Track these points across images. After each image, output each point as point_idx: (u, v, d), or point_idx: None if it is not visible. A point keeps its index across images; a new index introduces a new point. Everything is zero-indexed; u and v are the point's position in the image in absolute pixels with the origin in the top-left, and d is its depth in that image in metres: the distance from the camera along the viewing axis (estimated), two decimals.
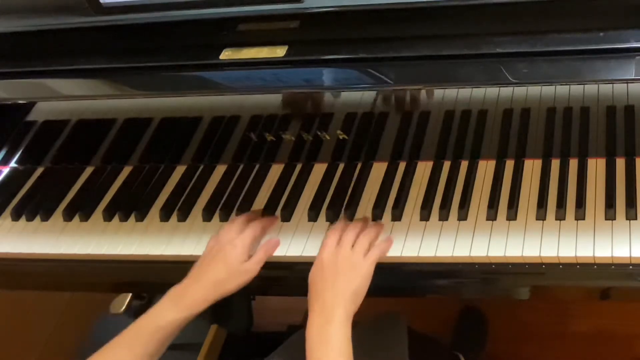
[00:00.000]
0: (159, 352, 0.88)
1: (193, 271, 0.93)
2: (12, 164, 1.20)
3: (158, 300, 0.92)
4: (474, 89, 1.00)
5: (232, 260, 0.92)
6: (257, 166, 1.11)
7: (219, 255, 0.93)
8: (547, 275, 0.90)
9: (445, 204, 0.97)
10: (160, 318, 0.88)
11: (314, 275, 0.89)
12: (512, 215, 0.94)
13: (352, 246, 0.91)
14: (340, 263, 0.88)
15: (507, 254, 0.90)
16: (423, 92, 1.03)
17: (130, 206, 1.08)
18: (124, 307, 1.41)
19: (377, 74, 0.86)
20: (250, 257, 0.94)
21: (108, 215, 1.08)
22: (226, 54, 0.91)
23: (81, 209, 1.09)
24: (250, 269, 0.93)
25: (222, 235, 0.96)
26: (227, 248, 0.93)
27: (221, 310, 1.56)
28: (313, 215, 1.01)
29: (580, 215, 0.92)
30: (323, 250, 0.90)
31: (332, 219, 1.00)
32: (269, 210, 1.03)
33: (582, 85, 0.96)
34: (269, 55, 0.89)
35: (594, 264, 0.88)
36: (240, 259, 0.93)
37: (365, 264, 0.89)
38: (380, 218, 0.98)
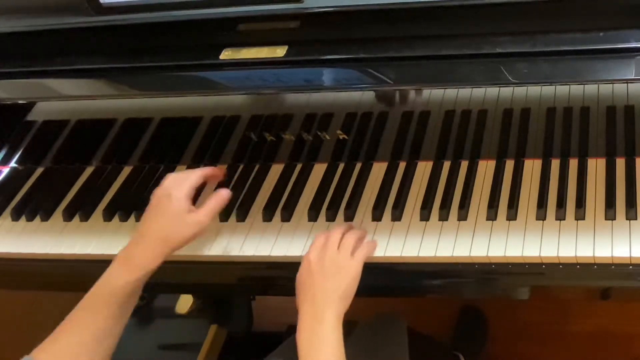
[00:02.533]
0: (123, 315, 0.85)
1: (138, 230, 0.89)
2: (12, 164, 1.20)
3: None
4: (474, 89, 1.01)
5: (172, 211, 0.88)
6: (257, 166, 1.11)
7: (157, 209, 0.89)
8: (547, 275, 0.90)
9: (445, 204, 0.97)
10: (114, 284, 0.85)
11: (301, 277, 0.88)
12: (512, 215, 0.94)
13: (338, 247, 0.90)
14: (328, 264, 0.87)
15: (507, 254, 0.90)
16: (422, 92, 1.03)
17: (130, 206, 1.08)
18: None
19: (377, 74, 0.86)
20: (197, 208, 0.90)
21: (108, 215, 1.08)
22: (226, 54, 0.91)
23: (81, 209, 1.09)
24: (199, 220, 0.89)
25: (159, 188, 0.91)
26: (163, 200, 0.89)
27: (221, 310, 1.56)
28: (313, 215, 1.01)
29: (580, 215, 0.92)
30: (309, 252, 0.89)
31: (332, 219, 1.00)
32: (269, 210, 1.03)
33: (582, 85, 0.96)
34: (269, 55, 0.89)
35: (594, 264, 0.88)
36: (180, 208, 0.88)
37: (353, 264, 0.89)
38: (380, 218, 0.98)
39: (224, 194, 0.93)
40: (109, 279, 0.86)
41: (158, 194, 0.90)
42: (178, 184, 0.91)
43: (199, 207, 0.91)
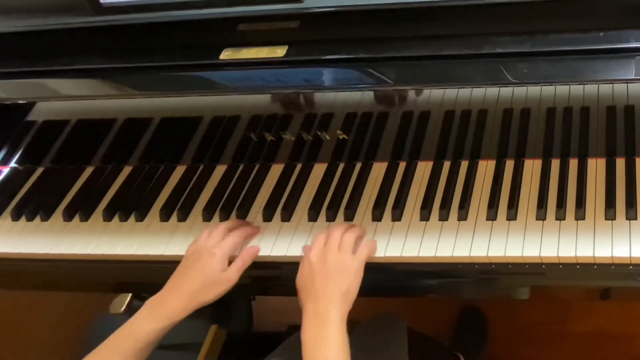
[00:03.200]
0: None
1: (171, 280, 0.92)
2: (12, 164, 1.20)
3: None
4: (474, 89, 1.01)
5: (210, 270, 0.91)
6: (257, 166, 1.11)
7: (197, 264, 0.92)
8: (547, 275, 0.90)
9: (445, 204, 0.97)
10: (138, 329, 0.87)
11: (302, 278, 0.89)
12: (512, 215, 0.94)
13: (339, 247, 0.90)
14: (330, 264, 0.88)
15: (507, 254, 0.90)
16: (422, 92, 1.03)
17: (130, 206, 1.08)
18: (124, 307, 1.41)
19: (377, 74, 0.86)
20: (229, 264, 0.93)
21: (108, 215, 1.08)
22: (226, 54, 0.91)
23: (81, 209, 1.09)
24: (229, 279, 0.92)
25: (201, 242, 0.94)
26: (205, 257, 0.92)
27: (221, 310, 1.56)
28: (313, 215, 1.01)
29: (580, 215, 0.92)
30: (310, 252, 0.90)
31: (332, 219, 1.00)
32: (269, 210, 1.03)
33: (582, 85, 0.96)
34: (269, 55, 0.89)
35: (594, 264, 0.88)
36: (218, 268, 0.91)
37: (355, 262, 0.89)
38: (380, 218, 0.98)
39: (254, 250, 0.96)
40: (137, 323, 0.88)
41: (199, 250, 0.93)
42: (220, 243, 0.93)
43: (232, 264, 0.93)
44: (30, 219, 1.11)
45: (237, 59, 0.90)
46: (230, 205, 1.05)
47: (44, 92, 1.01)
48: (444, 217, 0.96)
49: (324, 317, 0.84)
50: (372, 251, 0.92)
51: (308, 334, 0.84)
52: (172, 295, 0.90)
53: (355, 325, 1.17)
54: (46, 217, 1.10)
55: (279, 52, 0.89)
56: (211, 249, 0.92)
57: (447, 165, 1.03)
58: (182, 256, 0.99)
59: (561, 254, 0.88)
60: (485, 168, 1.02)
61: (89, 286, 1.16)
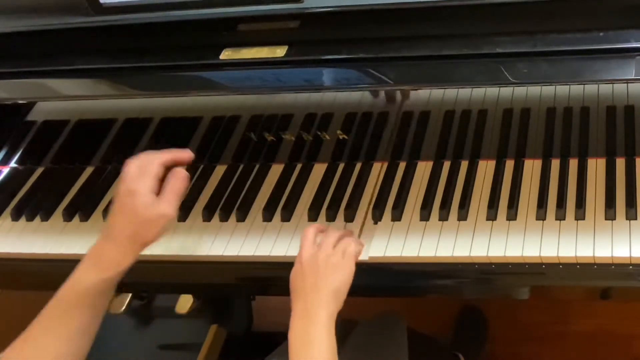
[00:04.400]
0: (96, 315, 0.83)
1: (105, 229, 0.85)
2: (12, 164, 1.20)
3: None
4: (474, 89, 1.01)
5: (136, 208, 0.82)
6: (257, 166, 1.11)
7: (121, 207, 0.83)
8: (547, 275, 0.90)
9: (445, 204, 0.97)
10: (81, 284, 0.81)
11: (294, 277, 0.87)
12: (512, 215, 0.94)
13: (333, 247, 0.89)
14: (321, 263, 0.86)
15: (507, 254, 0.90)
16: (422, 92, 1.03)
17: None
18: (124, 307, 1.41)
19: (377, 74, 0.86)
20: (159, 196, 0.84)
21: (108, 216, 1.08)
22: (226, 54, 0.91)
23: (81, 209, 1.09)
24: (162, 213, 0.83)
25: (121, 182, 0.85)
26: (126, 198, 0.83)
27: (221, 310, 1.56)
28: (313, 215, 1.01)
29: (580, 215, 0.92)
30: (302, 251, 0.88)
31: (332, 219, 1.00)
32: (269, 210, 1.03)
33: (582, 85, 0.96)
34: (269, 55, 0.89)
35: (594, 264, 0.88)
36: (144, 204, 0.82)
37: (347, 263, 0.88)
38: (380, 218, 0.98)
39: (180, 173, 0.85)
40: (78, 279, 0.82)
41: (121, 191, 0.84)
42: (140, 176, 0.84)
43: (160, 197, 0.84)
44: (30, 219, 1.11)
45: (237, 59, 0.90)
46: (230, 205, 1.05)
47: (44, 92, 1.01)
48: (444, 217, 0.96)
49: (312, 317, 0.82)
50: (358, 249, 0.91)
51: (295, 334, 0.82)
52: (108, 245, 0.83)
53: (355, 325, 1.17)
54: (46, 217, 1.10)
55: (279, 52, 0.89)
56: (129, 185, 0.83)
57: (447, 165, 1.03)
58: (181, 256, 0.99)
59: (561, 254, 0.88)
60: (485, 168, 1.02)
61: None
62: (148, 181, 0.83)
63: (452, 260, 0.92)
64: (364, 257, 0.93)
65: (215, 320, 1.54)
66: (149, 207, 0.83)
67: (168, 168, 0.87)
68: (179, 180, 0.85)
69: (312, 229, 0.91)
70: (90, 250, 0.84)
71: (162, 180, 0.86)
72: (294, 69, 0.89)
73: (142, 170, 0.84)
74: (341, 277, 0.86)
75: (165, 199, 0.84)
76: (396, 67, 0.86)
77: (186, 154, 0.88)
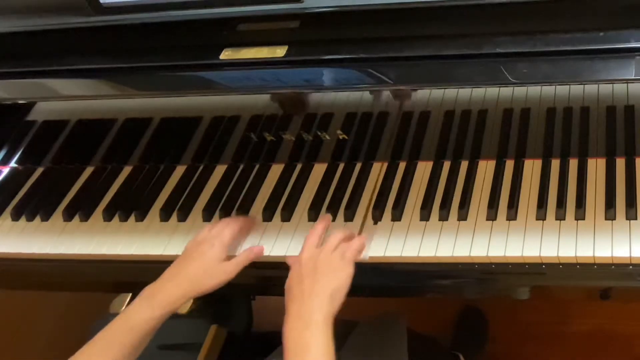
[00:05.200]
0: (135, 353, 0.86)
1: (169, 269, 0.92)
2: (12, 164, 1.20)
3: None
4: (474, 89, 1.01)
5: (209, 258, 0.91)
6: (257, 166, 1.11)
7: (196, 253, 0.92)
8: (547, 275, 0.90)
9: (445, 204, 0.97)
10: (135, 318, 0.86)
11: (291, 279, 0.87)
12: (512, 215, 0.94)
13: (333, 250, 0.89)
14: (320, 265, 0.86)
15: (507, 254, 0.90)
16: (422, 92, 1.03)
17: (130, 206, 1.08)
18: (124, 307, 1.41)
19: (377, 74, 0.86)
20: (230, 258, 0.93)
21: (108, 215, 1.08)
22: (226, 54, 0.91)
23: (81, 209, 1.09)
24: (228, 270, 0.92)
25: (201, 234, 0.95)
26: (204, 246, 0.92)
27: (221, 310, 1.56)
28: (313, 215, 1.01)
29: (580, 215, 0.92)
30: (302, 252, 0.89)
31: (332, 219, 1.00)
32: (269, 210, 1.03)
33: (582, 85, 0.96)
34: (269, 55, 0.89)
35: (594, 264, 0.88)
36: (217, 257, 0.92)
37: (345, 265, 0.87)
38: (380, 218, 0.98)
39: (258, 249, 0.96)
40: (133, 313, 0.87)
41: (199, 240, 0.94)
42: (219, 233, 0.94)
43: (231, 257, 0.94)
44: (30, 219, 1.11)
45: (237, 59, 0.90)
46: (230, 205, 1.05)
47: (44, 92, 1.01)
48: (444, 217, 0.96)
49: (308, 320, 0.81)
50: (358, 252, 0.91)
51: (290, 336, 0.81)
52: (169, 284, 0.89)
53: (356, 325, 1.17)
54: (46, 217, 1.10)
55: (279, 52, 0.89)
56: (211, 239, 0.93)
57: (447, 165, 1.03)
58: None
59: (561, 254, 0.88)
60: (485, 168, 1.02)
61: (89, 286, 1.16)
62: (227, 238, 0.94)
63: (452, 260, 0.92)
64: (363, 257, 0.93)
65: (215, 320, 1.54)
66: (220, 261, 0.92)
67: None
68: (255, 254, 0.95)
69: (317, 231, 0.92)
70: (149, 287, 0.90)
71: None
72: (294, 69, 0.89)
73: (223, 228, 0.95)
74: (338, 280, 0.86)
75: (235, 261, 0.93)
76: (396, 67, 0.86)
77: (256, 223, 1.02)
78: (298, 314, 0.82)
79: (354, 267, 0.88)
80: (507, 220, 0.94)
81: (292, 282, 0.87)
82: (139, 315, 0.87)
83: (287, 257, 0.93)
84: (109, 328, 0.86)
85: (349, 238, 0.92)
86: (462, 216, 0.96)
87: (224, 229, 0.95)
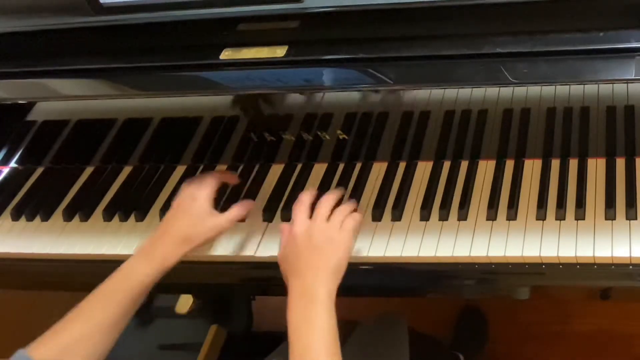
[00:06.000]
0: (132, 310, 0.86)
1: (160, 226, 0.92)
2: (12, 164, 1.20)
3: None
4: (474, 89, 1.00)
5: (195, 212, 0.91)
6: (257, 166, 1.11)
7: (181, 209, 0.92)
8: (547, 275, 0.90)
9: (445, 204, 0.97)
10: (133, 273, 0.86)
11: (286, 254, 0.85)
12: (512, 215, 0.94)
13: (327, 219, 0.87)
14: (316, 237, 0.84)
15: (507, 254, 0.90)
16: (422, 92, 1.03)
17: (130, 206, 1.08)
18: None
19: (377, 74, 0.86)
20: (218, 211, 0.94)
21: (108, 215, 1.08)
22: (226, 54, 0.91)
23: (81, 209, 1.09)
24: (220, 224, 0.92)
25: (182, 190, 0.95)
26: (186, 201, 0.92)
27: (221, 310, 1.56)
28: None
29: (580, 215, 0.92)
30: (294, 225, 0.86)
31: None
32: (269, 210, 1.03)
33: (582, 85, 0.96)
34: (269, 55, 0.89)
35: (594, 264, 0.88)
36: (203, 209, 0.92)
37: (344, 236, 0.85)
38: (380, 218, 0.98)
39: (249, 203, 0.97)
40: (126, 271, 0.87)
41: (182, 195, 0.94)
42: (200, 187, 0.94)
43: (223, 211, 0.94)
44: (30, 219, 1.11)
45: (237, 59, 0.90)
46: (230, 205, 1.05)
47: (44, 92, 1.01)
48: (444, 217, 0.96)
49: (311, 296, 0.80)
50: (358, 222, 0.89)
51: (293, 314, 0.79)
52: (162, 239, 0.90)
53: (356, 325, 1.17)
54: (46, 217, 1.10)
55: (279, 52, 0.89)
56: (192, 193, 0.93)
57: (447, 165, 1.03)
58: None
59: (561, 254, 0.88)
60: (485, 168, 1.02)
61: (89, 286, 1.15)
62: (208, 190, 0.93)
63: (452, 260, 0.92)
64: (363, 257, 0.93)
65: (215, 320, 1.54)
66: (207, 213, 0.92)
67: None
68: (245, 207, 0.96)
69: (305, 198, 0.90)
70: (143, 243, 0.90)
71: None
72: (294, 69, 0.89)
73: (202, 181, 0.94)
74: (339, 253, 0.84)
75: (227, 214, 0.93)
76: (396, 67, 0.86)
77: (235, 177, 1.04)
78: (301, 291, 0.81)
79: (353, 238, 0.87)
80: (507, 220, 0.94)
81: (287, 256, 0.85)
82: (136, 270, 0.87)
83: (280, 225, 0.92)
84: (106, 284, 0.85)
85: (338, 203, 0.91)
86: (462, 216, 0.96)
87: (204, 184, 0.95)
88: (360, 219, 0.91)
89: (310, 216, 0.89)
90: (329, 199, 0.91)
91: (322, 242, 0.85)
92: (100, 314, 0.83)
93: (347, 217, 0.89)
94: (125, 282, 0.86)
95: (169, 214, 0.93)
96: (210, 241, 0.94)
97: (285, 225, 0.91)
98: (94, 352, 0.81)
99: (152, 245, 0.90)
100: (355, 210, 0.92)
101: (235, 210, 0.95)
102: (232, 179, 1.04)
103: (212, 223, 0.92)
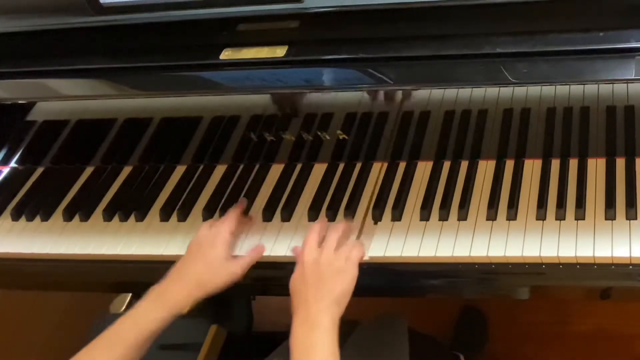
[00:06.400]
0: (139, 354, 0.86)
1: (173, 272, 0.92)
2: (12, 164, 1.20)
3: None
4: (474, 89, 1.00)
5: (213, 258, 0.92)
6: (257, 166, 1.11)
7: (199, 254, 0.93)
8: (547, 275, 0.90)
9: (445, 204, 0.97)
10: (142, 317, 0.87)
11: (295, 281, 0.87)
12: (512, 215, 0.94)
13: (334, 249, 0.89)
14: (324, 268, 0.86)
15: (507, 254, 0.90)
16: (422, 92, 1.03)
17: (130, 206, 1.08)
18: (124, 307, 1.41)
19: (377, 74, 0.86)
20: (233, 256, 0.94)
21: (108, 215, 1.08)
22: (226, 54, 0.91)
23: (81, 209, 1.09)
24: (234, 272, 0.92)
25: (201, 234, 0.95)
26: (206, 246, 0.93)
27: (221, 310, 1.56)
28: (313, 215, 1.01)
29: (580, 215, 0.92)
30: (304, 254, 0.88)
31: (332, 219, 1.00)
32: (269, 210, 1.03)
33: (582, 85, 0.96)
34: (269, 55, 0.89)
35: (594, 264, 0.88)
36: (220, 256, 0.92)
37: (350, 267, 0.87)
38: (380, 218, 0.98)
39: (260, 248, 0.97)
40: (140, 313, 0.87)
41: (200, 239, 0.94)
42: (219, 231, 0.94)
43: (236, 257, 0.95)
44: (30, 219, 1.11)
45: (237, 59, 0.90)
46: (230, 205, 1.05)
47: (44, 92, 1.01)
48: (444, 217, 0.96)
49: (315, 324, 0.82)
50: (361, 253, 0.91)
51: (296, 340, 0.82)
52: (176, 284, 0.90)
53: (356, 325, 1.17)
54: (46, 217, 1.10)
55: (279, 52, 0.89)
56: (212, 238, 0.94)
57: (447, 165, 1.03)
58: (182, 256, 0.99)
59: (561, 254, 0.88)
60: (485, 168, 1.02)
61: (89, 286, 1.16)
62: (227, 236, 0.94)
63: (452, 260, 0.92)
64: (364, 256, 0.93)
65: (215, 320, 1.54)
66: (224, 262, 0.92)
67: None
68: (258, 253, 0.96)
69: (315, 230, 0.91)
70: (155, 287, 0.90)
71: None
72: (294, 69, 0.89)
73: (222, 223, 0.96)
74: (344, 284, 0.86)
75: (241, 261, 0.94)
76: (396, 67, 0.86)
77: (254, 220, 1.03)
78: (305, 318, 0.83)
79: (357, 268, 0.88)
80: (507, 220, 0.94)
81: (296, 284, 0.87)
82: (147, 315, 0.87)
83: (293, 248, 0.94)
84: (115, 327, 0.86)
85: (346, 233, 0.92)
86: (462, 216, 0.96)
87: (224, 226, 0.95)
88: (363, 251, 0.92)
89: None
90: (338, 229, 0.92)
91: (329, 272, 0.86)
92: (105, 357, 0.84)
93: (353, 249, 0.90)
94: (134, 326, 0.86)
95: (187, 257, 0.94)
96: (224, 288, 0.93)
97: (297, 248, 0.92)
98: None
99: (166, 289, 0.90)
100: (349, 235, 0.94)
101: (249, 258, 0.95)
102: (251, 221, 1.02)
103: (228, 271, 0.92)
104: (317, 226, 0.93)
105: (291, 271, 0.91)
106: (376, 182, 1.04)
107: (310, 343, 0.81)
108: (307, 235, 0.91)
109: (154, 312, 0.87)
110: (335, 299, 0.84)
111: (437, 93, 1.02)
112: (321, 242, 0.91)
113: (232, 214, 0.98)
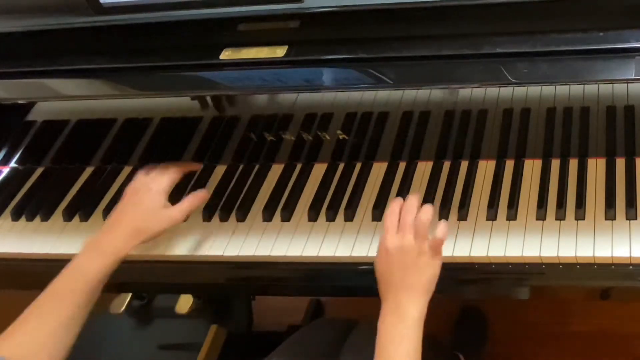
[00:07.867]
0: (89, 304, 0.86)
1: (111, 217, 0.91)
2: (12, 164, 1.20)
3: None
4: (474, 89, 1.01)
5: (148, 203, 0.91)
6: (257, 166, 1.11)
7: (134, 199, 0.92)
8: (547, 275, 0.90)
9: (445, 204, 0.97)
10: (85, 267, 0.86)
11: (380, 266, 0.85)
12: (512, 215, 0.94)
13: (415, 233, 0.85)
14: (408, 254, 0.84)
15: (507, 254, 0.90)
16: (422, 92, 1.03)
17: None
18: (124, 307, 1.41)
19: (377, 74, 0.86)
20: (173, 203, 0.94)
21: (108, 215, 1.08)
22: (226, 54, 0.91)
23: (81, 209, 1.09)
24: (173, 216, 0.92)
25: (137, 179, 0.94)
26: (142, 192, 0.92)
27: (221, 310, 1.56)
28: (313, 215, 1.01)
29: (580, 215, 0.92)
30: (386, 239, 0.85)
31: (332, 219, 1.00)
32: (269, 210, 1.03)
33: (582, 85, 0.96)
34: (269, 55, 0.89)
35: (594, 264, 0.88)
36: (156, 202, 0.92)
37: (434, 255, 0.85)
38: (380, 218, 0.98)
39: (202, 194, 0.96)
40: (77, 265, 0.87)
41: (136, 186, 0.93)
42: (157, 178, 0.94)
43: (175, 204, 0.94)
44: (30, 219, 1.11)
45: (237, 59, 0.90)
46: (230, 205, 1.05)
47: (44, 92, 1.01)
48: (444, 217, 0.96)
49: (404, 314, 0.82)
50: (445, 235, 0.86)
51: (385, 329, 0.81)
52: (113, 232, 0.90)
53: (356, 325, 1.17)
54: (46, 217, 1.10)
55: (279, 52, 0.89)
56: (147, 184, 0.93)
57: (447, 165, 1.03)
58: (181, 256, 0.99)
59: (561, 254, 0.88)
60: (485, 168, 1.02)
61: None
62: (165, 183, 0.93)
63: (452, 260, 0.92)
64: (363, 256, 0.93)
65: (215, 320, 1.54)
66: (160, 206, 0.91)
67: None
68: (199, 199, 0.96)
69: (393, 213, 0.87)
70: (89, 240, 0.89)
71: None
72: (294, 69, 0.89)
73: (160, 173, 0.94)
74: (430, 272, 0.85)
75: (179, 206, 0.93)
76: (396, 67, 0.86)
77: (198, 167, 1.02)
78: (394, 308, 0.82)
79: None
80: (507, 220, 0.94)
81: (383, 271, 0.85)
82: (89, 265, 0.86)
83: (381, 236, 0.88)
84: (60, 281, 0.85)
85: (427, 215, 0.87)
86: (462, 216, 0.96)
87: (162, 175, 0.95)
88: (447, 232, 0.87)
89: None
90: (411, 208, 0.88)
91: (414, 259, 0.84)
92: (57, 310, 0.83)
93: (437, 233, 0.85)
94: (79, 280, 0.85)
95: (121, 205, 0.93)
96: (161, 234, 0.93)
97: (381, 237, 0.87)
98: (55, 350, 0.82)
99: (102, 238, 0.89)
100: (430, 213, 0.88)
101: (187, 202, 0.94)
102: (194, 168, 1.02)
103: (165, 216, 0.92)
104: (395, 207, 0.88)
105: (291, 271, 0.92)
106: (376, 182, 1.04)
107: (398, 334, 0.81)
108: (386, 216, 0.88)
109: (96, 263, 0.87)
110: (425, 289, 0.84)
111: (437, 93, 1.02)
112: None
113: (179, 166, 0.98)
